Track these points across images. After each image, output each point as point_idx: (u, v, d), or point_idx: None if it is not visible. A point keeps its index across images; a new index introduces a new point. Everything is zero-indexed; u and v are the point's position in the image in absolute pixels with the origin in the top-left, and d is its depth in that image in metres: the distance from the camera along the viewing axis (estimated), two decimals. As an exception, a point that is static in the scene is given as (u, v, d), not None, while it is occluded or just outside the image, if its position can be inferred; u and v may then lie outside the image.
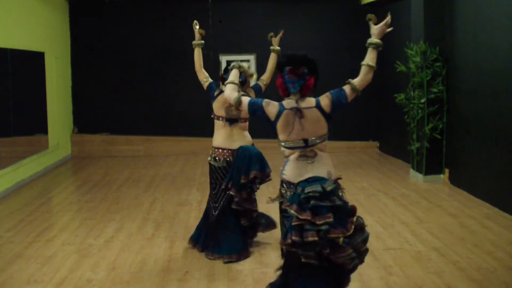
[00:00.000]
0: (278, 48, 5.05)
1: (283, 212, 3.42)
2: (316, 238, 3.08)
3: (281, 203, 3.46)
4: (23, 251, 5.19)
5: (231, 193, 4.76)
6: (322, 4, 10.90)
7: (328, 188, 3.19)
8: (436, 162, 7.93)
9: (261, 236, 5.51)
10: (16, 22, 8.35)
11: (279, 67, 3.37)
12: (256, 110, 3.40)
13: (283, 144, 3.39)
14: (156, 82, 10.96)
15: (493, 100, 6.58)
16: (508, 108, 6.24)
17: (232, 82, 3.68)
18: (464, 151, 7.36)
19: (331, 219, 3.10)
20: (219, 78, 5.00)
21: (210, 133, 5.06)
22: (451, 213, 6.33)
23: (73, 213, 6.63)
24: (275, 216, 6.29)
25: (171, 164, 10.00)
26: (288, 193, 3.34)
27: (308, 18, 10.96)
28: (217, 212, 4.91)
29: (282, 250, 3.43)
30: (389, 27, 3.43)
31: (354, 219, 3.21)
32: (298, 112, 3.29)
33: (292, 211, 3.17)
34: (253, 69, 4.04)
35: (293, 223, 3.16)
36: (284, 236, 3.24)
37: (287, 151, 3.40)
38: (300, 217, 3.13)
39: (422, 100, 7.78)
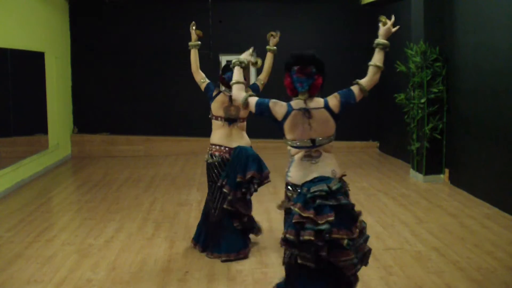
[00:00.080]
0: (275, 48, 5.01)
1: (287, 212, 3.42)
2: (312, 238, 3.07)
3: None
4: (23, 251, 5.19)
5: (225, 190, 4.74)
6: (322, 4, 10.90)
7: (334, 187, 3.20)
8: (436, 162, 7.93)
9: (261, 236, 5.52)
10: (16, 22, 8.35)
11: (287, 67, 3.34)
12: (263, 111, 3.38)
13: (290, 143, 3.39)
14: (156, 82, 10.96)
15: (493, 100, 6.58)
16: (508, 108, 6.24)
17: (237, 82, 3.61)
18: (464, 151, 7.36)
19: (332, 218, 3.09)
20: (219, 78, 4.96)
21: (210, 133, 5.04)
22: (451, 213, 6.34)
23: (73, 213, 6.63)
24: (275, 216, 6.30)
25: (171, 164, 10.00)
26: (295, 195, 3.33)
27: (308, 18, 10.97)
28: (216, 212, 4.90)
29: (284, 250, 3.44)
30: (394, 26, 3.42)
31: (358, 224, 3.22)
32: (306, 112, 3.29)
33: (296, 209, 3.17)
34: (253, 55, 3.96)
35: (293, 220, 3.16)
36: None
37: (293, 150, 3.41)
38: (303, 214, 3.13)
39: (422, 100, 7.78)
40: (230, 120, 4.90)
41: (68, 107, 10.82)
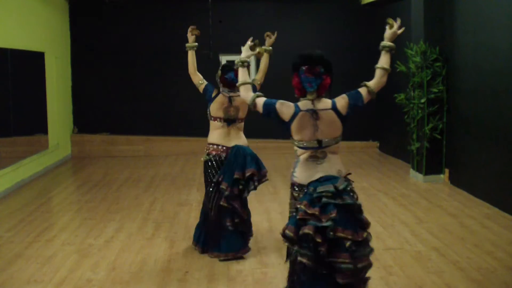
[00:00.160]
0: (270, 48, 4.98)
1: (293, 212, 3.43)
2: (310, 232, 3.07)
3: (293, 204, 3.47)
4: (23, 251, 5.19)
5: (222, 186, 4.73)
6: (322, 4, 10.90)
7: (341, 187, 3.21)
8: (436, 162, 7.93)
9: (261, 236, 5.52)
10: (16, 22, 8.35)
11: (295, 67, 3.33)
12: (270, 112, 3.37)
13: (296, 144, 3.39)
14: (156, 82, 10.96)
15: (493, 100, 6.58)
16: (508, 108, 6.24)
17: (244, 83, 3.59)
18: (464, 151, 7.36)
19: (335, 215, 3.10)
20: (219, 78, 4.93)
21: (210, 133, 5.05)
22: (451, 213, 6.34)
23: (73, 213, 6.63)
24: (275, 216, 6.30)
25: (171, 164, 10.00)
26: (301, 195, 3.34)
27: (308, 18, 10.97)
28: (213, 212, 4.88)
29: (287, 250, 3.44)
30: (400, 28, 3.43)
31: (365, 234, 3.22)
32: (314, 114, 3.29)
33: (302, 206, 3.18)
34: (255, 45, 3.93)
35: (298, 217, 3.17)
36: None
37: (299, 151, 3.41)
38: (308, 211, 3.14)
39: (422, 100, 7.78)
40: (229, 121, 4.90)
41: (68, 107, 10.82)
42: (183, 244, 5.32)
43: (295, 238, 3.16)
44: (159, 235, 5.65)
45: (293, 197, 3.44)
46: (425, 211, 6.44)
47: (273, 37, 4.98)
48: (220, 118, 4.88)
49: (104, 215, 6.45)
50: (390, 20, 3.42)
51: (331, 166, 3.34)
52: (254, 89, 4.94)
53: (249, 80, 3.62)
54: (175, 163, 10.03)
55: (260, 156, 4.99)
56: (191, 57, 4.96)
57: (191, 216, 6.34)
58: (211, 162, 4.87)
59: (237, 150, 4.82)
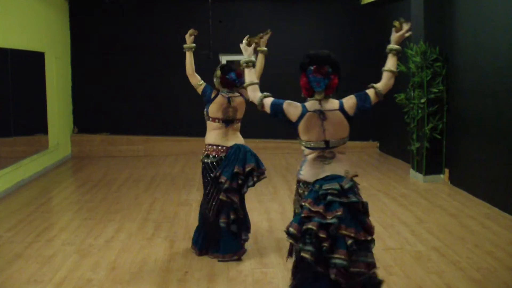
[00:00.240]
0: (265, 48, 4.94)
1: (297, 209, 3.45)
2: (314, 227, 3.09)
3: (297, 201, 3.49)
4: (23, 251, 5.19)
5: (221, 180, 4.72)
6: (322, 4, 10.89)
7: (346, 186, 3.23)
8: (436, 162, 7.93)
9: (261, 236, 5.52)
10: (16, 22, 8.35)
11: (302, 67, 3.34)
12: (277, 112, 3.38)
13: (304, 144, 3.41)
14: (156, 82, 10.96)
15: (493, 100, 6.58)
16: (508, 108, 6.24)
17: (252, 83, 3.59)
18: (464, 151, 7.36)
19: (341, 213, 3.12)
20: (220, 79, 4.89)
21: (210, 133, 5.04)
22: (451, 213, 6.34)
23: (73, 213, 6.63)
24: (275, 216, 6.30)
25: (171, 164, 10.00)
26: (306, 193, 3.37)
27: (308, 18, 10.96)
28: (211, 213, 4.87)
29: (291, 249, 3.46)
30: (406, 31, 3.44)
31: (369, 238, 3.24)
32: (321, 114, 3.30)
33: (306, 204, 3.21)
34: (255, 39, 3.90)
35: (303, 215, 3.19)
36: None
37: (307, 151, 3.43)
38: (312, 209, 3.17)
39: (422, 100, 7.78)
40: (228, 122, 4.89)
41: (68, 107, 10.82)
42: (183, 244, 5.32)
43: (298, 235, 3.18)
44: (159, 235, 5.65)
45: (297, 194, 3.47)
46: (425, 211, 6.44)
47: (266, 37, 4.84)
48: (219, 119, 4.86)
49: (104, 215, 6.45)
50: (397, 23, 3.41)
51: (339, 166, 3.36)
52: None
53: (256, 80, 3.61)
54: (175, 163, 10.03)
55: (260, 156, 5.01)
56: (189, 58, 4.92)
57: (191, 216, 6.34)
58: (213, 164, 4.86)
59: (237, 148, 4.84)
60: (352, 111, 3.32)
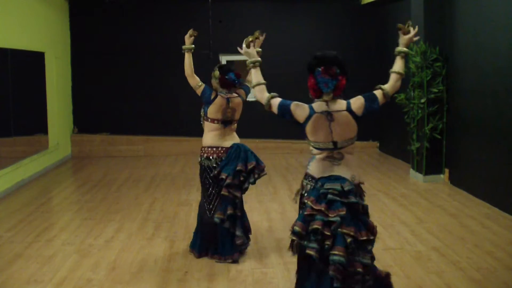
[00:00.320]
0: (260, 49, 4.92)
1: (302, 205, 3.48)
2: (319, 226, 3.12)
3: (301, 196, 3.52)
4: (23, 251, 5.19)
5: (222, 177, 4.70)
6: (322, 4, 10.89)
7: (346, 188, 3.24)
8: (436, 162, 7.93)
9: (261, 236, 5.52)
10: (16, 22, 8.35)
11: (310, 68, 3.33)
12: (284, 113, 3.38)
13: (312, 145, 3.42)
14: (156, 82, 10.96)
15: (493, 100, 6.58)
16: (508, 108, 6.24)
17: (259, 83, 3.56)
18: (464, 151, 7.36)
19: (344, 212, 3.15)
20: (219, 79, 4.85)
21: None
22: (451, 213, 6.34)
23: (73, 213, 6.62)
24: (275, 216, 6.29)
25: (171, 164, 10.00)
26: (309, 186, 3.40)
27: (308, 18, 10.96)
28: (211, 214, 4.86)
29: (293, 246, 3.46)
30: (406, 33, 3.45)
31: (372, 237, 3.25)
32: (329, 115, 3.30)
33: (309, 202, 3.24)
34: (255, 37, 3.88)
35: (305, 213, 3.22)
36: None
37: (315, 151, 3.44)
38: (314, 207, 3.19)
39: (422, 100, 7.78)
40: (226, 122, 4.88)
41: (68, 107, 10.82)
42: (183, 244, 5.32)
43: (303, 233, 3.20)
44: (159, 235, 5.65)
45: (301, 184, 3.52)
46: (425, 211, 6.44)
47: (261, 39, 4.78)
48: (218, 120, 4.85)
49: (104, 215, 6.45)
50: (401, 25, 3.42)
51: (347, 169, 3.37)
52: (249, 91, 4.98)
53: (263, 81, 3.59)
54: (175, 163, 10.03)
55: (260, 156, 5.01)
56: (188, 59, 4.88)
57: (191, 216, 6.34)
58: (213, 166, 4.83)
59: (237, 147, 4.85)
60: (360, 112, 3.32)
